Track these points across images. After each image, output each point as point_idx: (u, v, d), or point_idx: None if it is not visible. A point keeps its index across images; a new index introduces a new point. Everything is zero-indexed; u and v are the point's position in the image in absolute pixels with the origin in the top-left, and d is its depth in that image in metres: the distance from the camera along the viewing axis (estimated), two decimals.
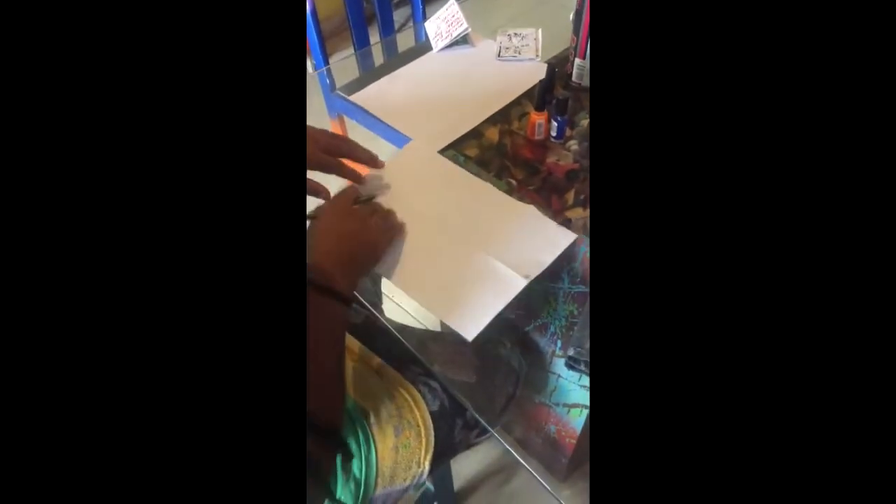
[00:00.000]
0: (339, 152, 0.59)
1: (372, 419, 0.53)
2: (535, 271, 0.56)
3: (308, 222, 0.56)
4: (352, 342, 0.60)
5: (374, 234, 0.52)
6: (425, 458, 0.54)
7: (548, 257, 0.57)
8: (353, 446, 0.51)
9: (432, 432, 0.54)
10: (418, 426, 0.54)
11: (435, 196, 0.65)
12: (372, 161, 0.63)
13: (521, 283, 0.54)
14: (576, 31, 0.78)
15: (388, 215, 0.56)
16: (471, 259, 0.58)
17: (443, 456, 0.57)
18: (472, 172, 0.69)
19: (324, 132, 0.59)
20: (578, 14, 0.76)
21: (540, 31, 0.93)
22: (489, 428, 0.54)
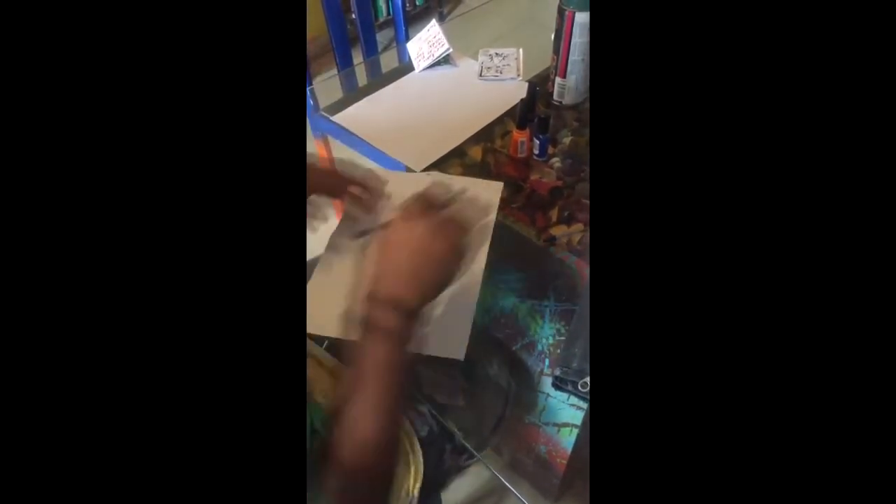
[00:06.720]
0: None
1: None
2: (479, 265, 0.55)
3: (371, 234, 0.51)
4: (336, 365, 0.59)
5: (447, 249, 0.41)
6: (414, 486, 0.52)
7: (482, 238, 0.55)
8: None
9: (421, 459, 0.53)
10: (406, 453, 0.52)
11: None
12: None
13: (476, 282, 0.54)
14: (556, 50, 0.79)
15: (464, 225, 0.43)
16: None
17: (432, 482, 0.55)
18: None
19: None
20: (558, 34, 0.77)
21: (521, 50, 0.94)
22: (476, 454, 0.53)
